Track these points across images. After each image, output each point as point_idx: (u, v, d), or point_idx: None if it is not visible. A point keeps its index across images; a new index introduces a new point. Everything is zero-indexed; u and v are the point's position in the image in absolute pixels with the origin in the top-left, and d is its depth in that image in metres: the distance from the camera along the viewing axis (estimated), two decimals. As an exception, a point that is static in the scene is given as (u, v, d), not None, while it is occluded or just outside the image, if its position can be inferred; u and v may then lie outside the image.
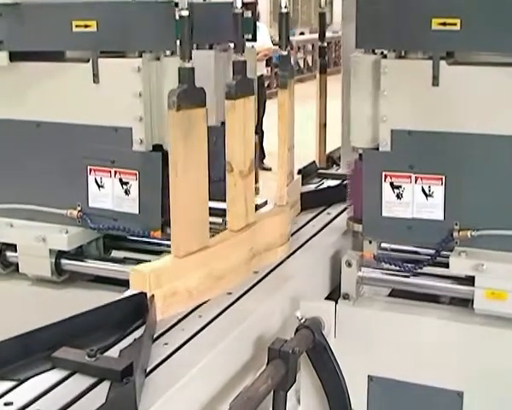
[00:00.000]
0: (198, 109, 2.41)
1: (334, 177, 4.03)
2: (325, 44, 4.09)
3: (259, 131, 3.67)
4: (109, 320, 2.22)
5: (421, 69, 2.56)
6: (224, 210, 2.83)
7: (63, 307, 2.77)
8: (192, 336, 2.20)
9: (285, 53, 3.06)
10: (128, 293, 2.33)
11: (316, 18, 3.48)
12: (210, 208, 2.63)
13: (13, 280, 2.98)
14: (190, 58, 2.40)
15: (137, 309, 2.26)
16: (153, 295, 2.29)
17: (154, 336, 2.20)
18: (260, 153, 3.84)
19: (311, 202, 3.61)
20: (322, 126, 4.09)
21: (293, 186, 3.34)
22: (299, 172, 3.75)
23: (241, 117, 2.65)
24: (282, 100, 3.07)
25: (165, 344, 2.15)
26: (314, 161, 4.10)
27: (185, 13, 2.37)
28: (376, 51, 2.68)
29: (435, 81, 2.54)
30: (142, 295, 2.28)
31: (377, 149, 2.68)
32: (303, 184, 3.76)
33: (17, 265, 2.91)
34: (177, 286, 2.37)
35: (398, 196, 2.64)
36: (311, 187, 3.90)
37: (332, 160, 4.27)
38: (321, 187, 3.92)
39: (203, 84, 2.47)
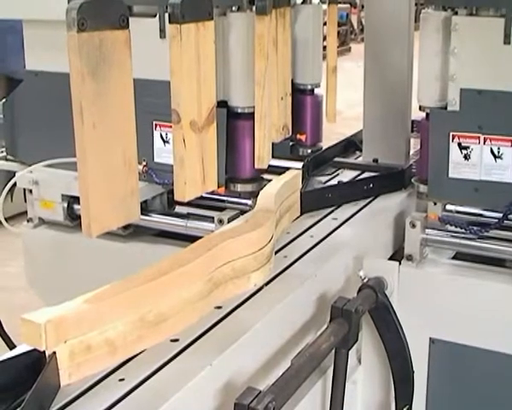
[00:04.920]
0: (116, 31, 1.73)
1: (351, 167, 3.44)
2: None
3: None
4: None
5: (492, 27, 2.49)
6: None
7: (128, 261, 2.84)
8: (257, 291, 2.20)
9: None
10: (21, 349, 1.73)
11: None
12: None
13: (80, 233, 3.03)
14: None
15: (32, 371, 1.67)
16: (54, 353, 1.64)
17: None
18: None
19: (315, 202, 2.91)
20: (332, 71, 3.16)
21: (289, 184, 2.71)
22: (303, 165, 3.13)
23: (192, 47, 2.07)
24: (260, 31, 2.55)
25: (218, 308, 2.09)
26: (325, 149, 3.41)
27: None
28: (447, 8, 2.62)
29: (507, 39, 2.46)
30: (36, 353, 1.65)
31: (445, 108, 2.63)
32: (313, 176, 3.22)
33: (84, 218, 2.97)
34: (92, 338, 1.71)
35: (466, 157, 2.59)
36: (321, 180, 3.26)
37: (354, 144, 3.72)
38: (329, 183, 3.23)
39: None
